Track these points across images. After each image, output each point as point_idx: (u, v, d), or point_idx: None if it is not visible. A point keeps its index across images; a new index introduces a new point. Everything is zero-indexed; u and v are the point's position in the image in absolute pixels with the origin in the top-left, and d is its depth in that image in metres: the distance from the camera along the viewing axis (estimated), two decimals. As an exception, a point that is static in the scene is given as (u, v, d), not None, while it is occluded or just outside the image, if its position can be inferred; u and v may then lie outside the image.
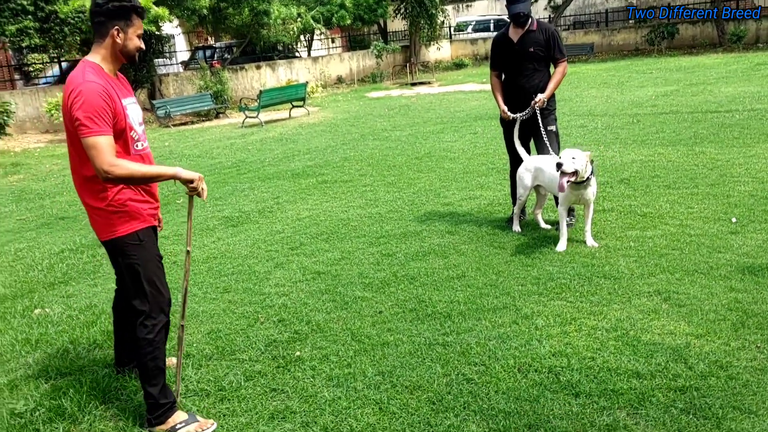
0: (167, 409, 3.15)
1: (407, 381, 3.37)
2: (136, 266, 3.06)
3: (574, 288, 4.34)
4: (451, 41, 31.93)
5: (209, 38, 27.90)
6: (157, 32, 17.92)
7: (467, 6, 34.71)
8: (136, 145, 3.06)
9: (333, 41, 30.23)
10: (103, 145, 2.76)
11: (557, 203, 5.36)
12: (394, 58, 27.57)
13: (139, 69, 18.17)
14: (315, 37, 28.16)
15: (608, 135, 9.71)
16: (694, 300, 4.00)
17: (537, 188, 5.68)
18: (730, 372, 3.20)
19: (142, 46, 3.06)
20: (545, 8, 29.70)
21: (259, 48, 24.38)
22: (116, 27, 2.92)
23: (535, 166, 5.51)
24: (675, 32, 25.55)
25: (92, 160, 2.77)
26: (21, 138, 16.29)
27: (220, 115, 19.05)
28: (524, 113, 5.61)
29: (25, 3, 16.49)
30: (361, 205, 7.03)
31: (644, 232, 5.31)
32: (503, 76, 5.87)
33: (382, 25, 28.62)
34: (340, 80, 25.86)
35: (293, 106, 17.56)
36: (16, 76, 22.12)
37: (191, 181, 3.04)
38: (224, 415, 3.23)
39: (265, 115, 16.85)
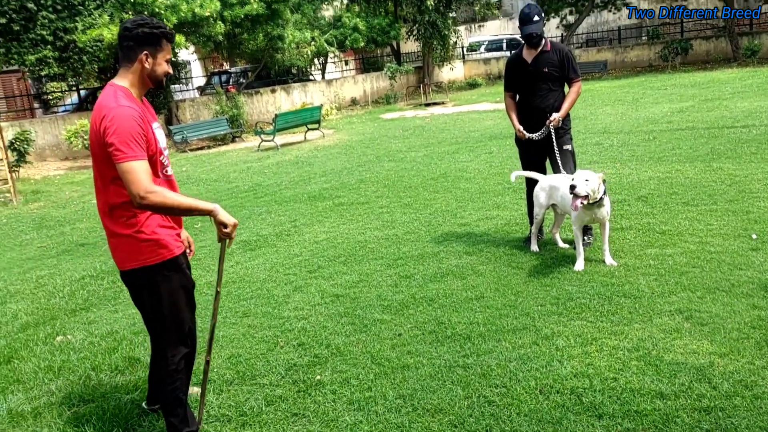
0: None
1: (428, 404, 3.36)
2: (160, 297, 3.01)
3: (594, 307, 4.32)
4: (464, 61, 32.09)
5: (225, 63, 28.22)
6: (173, 59, 18.17)
7: (479, 26, 34.92)
8: (165, 170, 3.04)
9: (347, 64, 30.49)
10: (139, 170, 2.72)
11: None
12: (408, 79, 27.73)
13: (156, 95, 18.41)
14: (329, 59, 28.41)
15: (624, 152, 9.69)
16: (716, 318, 3.96)
17: (554, 207, 5.67)
18: (756, 392, 3.16)
19: (170, 70, 3.05)
20: (557, 27, 29.83)
21: (273, 72, 24.64)
22: (145, 52, 2.91)
23: (549, 185, 5.52)
24: (688, 48, 25.50)
25: (128, 185, 2.72)
26: (41, 166, 16.53)
27: (236, 139, 19.23)
28: (539, 133, 5.63)
29: (44, 33, 16.86)
30: (378, 227, 7.05)
31: (663, 249, 5.27)
32: (517, 97, 5.90)
33: (395, 46, 28.83)
34: (354, 102, 26.04)
35: (308, 129, 17.69)
36: (36, 105, 22.51)
37: (226, 225, 2.92)
38: (246, 441, 3.23)
39: (280, 139, 16.99)
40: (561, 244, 5.75)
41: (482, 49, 32.66)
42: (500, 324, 4.22)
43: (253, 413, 3.47)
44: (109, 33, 16.10)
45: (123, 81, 2.94)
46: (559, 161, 5.56)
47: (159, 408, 3.48)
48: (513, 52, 5.95)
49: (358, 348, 4.11)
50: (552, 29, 31.58)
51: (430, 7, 24.74)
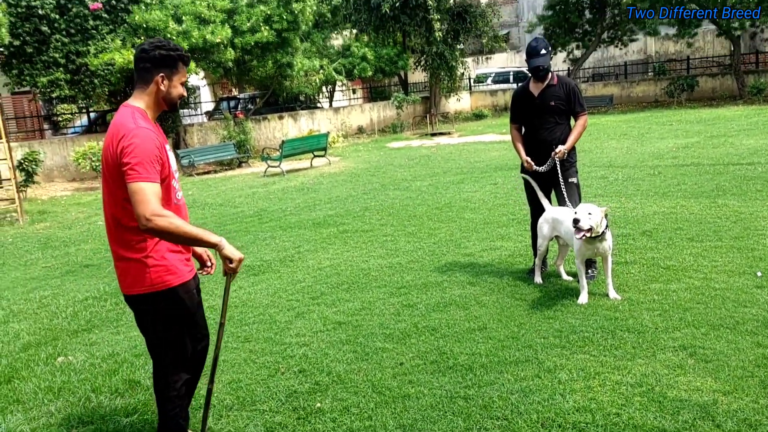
0: None
1: (429, 435, 3.34)
2: (165, 323, 2.98)
3: (597, 341, 4.30)
4: (470, 92, 32.33)
5: (233, 89, 28.51)
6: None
7: (487, 58, 35.25)
8: (177, 195, 3.02)
9: (354, 92, 30.76)
10: (148, 191, 2.67)
11: None
12: (415, 108, 27.93)
13: (164, 119, 18.58)
14: (337, 88, 28.67)
15: (629, 186, 9.71)
16: (720, 355, 3.94)
17: (557, 239, 5.68)
18: (760, 431, 3.13)
19: (185, 93, 3.05)
20: (564, 60, 30.09)
21: (282, 98, 24.86)
22: (162, 74, 2.91)
23: (552, 217, 5.53)
24: (695, 84, 25.65)
25: (136, 205, 2.66)
26: (48, 186, 16.63)
27: (243, 165, 19.34)
28: (546, 166, 5.66)
29: (57, 56, 17.08)
30: (381, 255, 7.05)
31: (668, 285, 5.26)
32: (523, 129, 5.94)
33: (403, 76, 29.09)
34: (361, 130, 26.20)
35: (315, 156, 17.79)
36: (45, 126, 22.71)
37: (231, 260, 2.90)
38: (244, 468, 3.21)
39: (286, 165, 17.08)
40: (565, 276, 5.75)
41: (489, 80, 32.94)
42: (502, 355, 4.20)
43: (252, 440, 3.45)
44: (121, 57, 16.31)
45: (139, 102, 2.93)
46: (565, 194, 5.58)
47: None
48: (520, 84, 6.02)
49: (359, 376, 4.09)
50: (559, 63, 31.85)
51: (438, 39, 25.00)
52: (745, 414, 3.28)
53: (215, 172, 18.47)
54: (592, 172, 11.30)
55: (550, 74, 5.67)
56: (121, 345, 5.06)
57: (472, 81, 32.64)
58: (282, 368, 4.33)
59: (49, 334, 5.50)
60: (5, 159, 12.08)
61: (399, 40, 27.41)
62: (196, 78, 22.38)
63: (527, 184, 5.95)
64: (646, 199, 8.62)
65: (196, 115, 24.29)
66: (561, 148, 5.53)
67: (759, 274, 5.31)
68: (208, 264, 3.33)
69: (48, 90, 17.36)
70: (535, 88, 5.71)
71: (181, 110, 20.25)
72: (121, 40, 17.39)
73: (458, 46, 27.44)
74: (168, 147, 3.02)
